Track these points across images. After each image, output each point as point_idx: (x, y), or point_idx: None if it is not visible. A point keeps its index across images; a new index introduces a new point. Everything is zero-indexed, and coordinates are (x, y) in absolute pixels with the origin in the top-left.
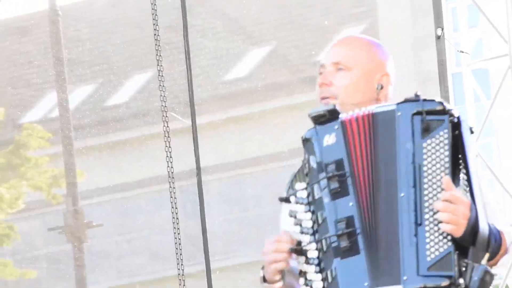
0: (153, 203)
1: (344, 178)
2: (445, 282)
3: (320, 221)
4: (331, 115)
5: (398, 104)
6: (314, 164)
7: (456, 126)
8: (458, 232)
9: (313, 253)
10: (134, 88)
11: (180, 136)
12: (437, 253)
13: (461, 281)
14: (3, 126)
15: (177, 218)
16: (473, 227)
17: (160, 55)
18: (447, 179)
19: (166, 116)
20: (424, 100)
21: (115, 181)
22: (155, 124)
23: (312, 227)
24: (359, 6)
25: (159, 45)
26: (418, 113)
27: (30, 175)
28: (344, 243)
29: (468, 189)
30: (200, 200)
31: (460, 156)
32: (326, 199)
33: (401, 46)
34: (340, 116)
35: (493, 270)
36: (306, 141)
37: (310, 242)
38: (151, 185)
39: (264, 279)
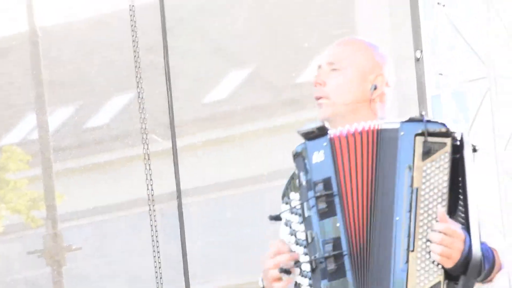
0: (133, 226)
1: (332, 198)
2: None
3: (309, 239)
4: (320, 132)
5: (402, 122)
6: (303, 181)
7: (457, 148)
8: (449, 264)
9: (306, 266)
10: (114, 109)
11: (160, 158)
12: (426, 281)
13: None
14: None
15: (157, 241)
16: (465, 259)
17: (140, 77)
18: (441, 211)
19: (147, 138)
20: (428, 121)
21: (94, 204)
22: (135, 146)
23: (306, 239)
24: (340, 27)
25: (139, 67)
26: (421, 133)
27: (9, 198)
28: (331, 265)
29: (463, 214)
30: (181, 223)
31: (460, 178)
32: (315, 219)
33: None
34: (329, 132)
35: None
36: (296, 155)
37: (305, 254)
38: (131, 208)
39: None
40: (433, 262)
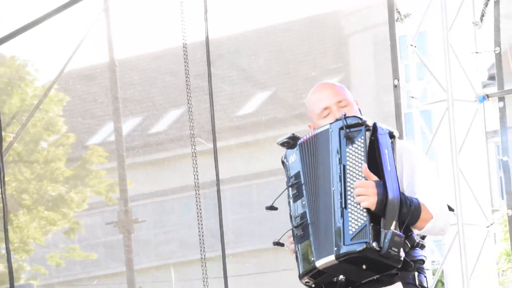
0: (183, 205)
1: (300, 185)
2: (363, 247)
3: (290, 217)
4: (293, 140)
5: (331, 123)
6: (286, 178)
7: (371, 133)
8: (372, 205)
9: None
10: (171, 120)
11: (204, 156)
12: (356, 227)
13: (374, 244)
14: (74, 147)
15: (201, 217)
16: (382, 199)
17: (190, 96)
18: (364, 167)
19: (194, 141)
20: (346, 117)
21: (155, 189)
22: (185, 147)
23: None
24: (338, 62)
25: (189, 89)
26: (343, 127)
27: (93, 183)
28: (300, 232)
29: (380, 174)
30: (219, 204)
31: (376, 152)
32: (291, 202)
33: (367, 92)
34: (299, 140)
35: (433, 256)
36: (282, 162)
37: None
38: (182, 192)
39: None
40: (359, 213)
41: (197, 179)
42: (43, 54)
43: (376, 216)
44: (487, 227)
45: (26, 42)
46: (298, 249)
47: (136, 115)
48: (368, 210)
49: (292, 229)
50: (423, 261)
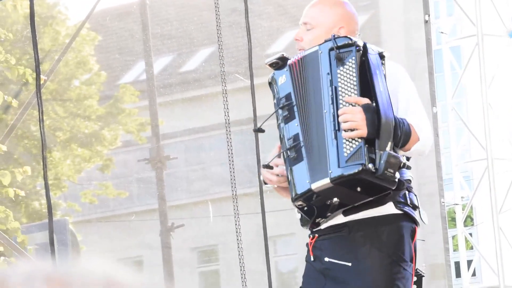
0: (216, 142)
1: (292, 106)
2: (358, 168)
3: (280, 140)
4: (282, 61)
5: (319, 45)
6: (275, 100)
7: (363, 53)
8: (363, 132)
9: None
10: (204, 56)
11: (242, 92)
12: (351, 149)
13: (370, 166)
14: (106, 85)
15: (232, 153)
16: (373, 121)
17: (220, 33)
18: (353, 97)
19: (224, 78)
20: (336, 38)
21: (187, 127)
22: (219, 84)
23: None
24: (365, 0)
25: (219, 26)
26: (333, 48)
27: (124, 122)
28: (293, 154)
29: (372, 95)
30: (256, 139)
31: (367, 72)
32: (282, 124)
33: (397, 28)
34: (288, 61)
35: (462, 194)
36: (269, 83)
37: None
38: (215, 130)
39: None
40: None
41: (228, 116)
42: None
43: (370, 140)
44: None
45: None
46: (291, 172)
47: (171, 52)
48: None
49: (282, 152)
50: (410, 181)
